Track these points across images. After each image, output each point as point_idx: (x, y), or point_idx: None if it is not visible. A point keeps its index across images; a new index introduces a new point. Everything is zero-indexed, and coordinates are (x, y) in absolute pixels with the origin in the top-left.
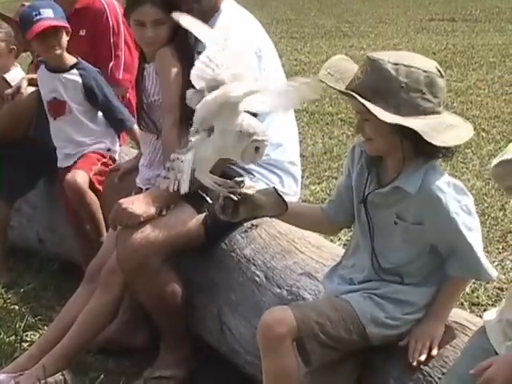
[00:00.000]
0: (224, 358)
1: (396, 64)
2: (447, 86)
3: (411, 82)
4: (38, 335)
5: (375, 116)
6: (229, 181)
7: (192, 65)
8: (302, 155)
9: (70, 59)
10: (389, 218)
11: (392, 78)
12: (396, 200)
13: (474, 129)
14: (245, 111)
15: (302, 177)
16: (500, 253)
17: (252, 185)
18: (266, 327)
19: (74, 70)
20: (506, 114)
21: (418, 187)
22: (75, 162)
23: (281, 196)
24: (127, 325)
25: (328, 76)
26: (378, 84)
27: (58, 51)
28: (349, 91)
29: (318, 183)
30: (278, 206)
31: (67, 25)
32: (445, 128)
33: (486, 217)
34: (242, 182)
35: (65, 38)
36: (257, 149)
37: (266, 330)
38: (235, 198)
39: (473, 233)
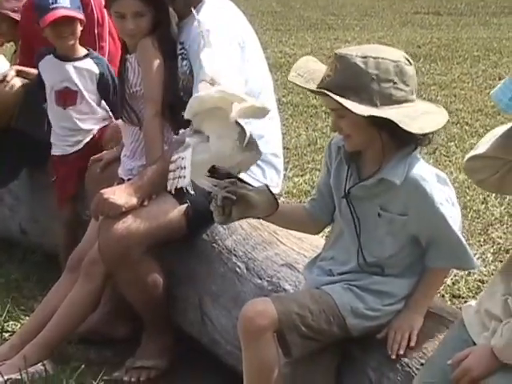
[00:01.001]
0: (205, 348)
1: (364, 57)
2: (431, 79)
3: (381, 73)
4: (19, 325)
5: (350, 111)
6: (223, 181)
7: (174, 55)
8: (285, 147)
9: (82, 49)
10: (372, 210)
11: (362, 71)
12: (380, 192)
13: (457, 122)
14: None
15: (286, 169)
16: (481, 245)
17: (243, 184)
18: (247, 319)
19: (88, 60)
20: (489, 107)
21: (403, 178)
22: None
23: (273, 194)
24: (109, 315)
25: (298, 77)
26: (348, 79)
27: (71, 41)
28: (321, 89)
29: (302, 175)
30: (270, 205)
31: (82, 16)
32: (419, 115)
33: (468, 210)
34: (235, 181)
35: (78, 29)
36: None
37: (247, 322)
38: (234, 197)
39: (456, 223)
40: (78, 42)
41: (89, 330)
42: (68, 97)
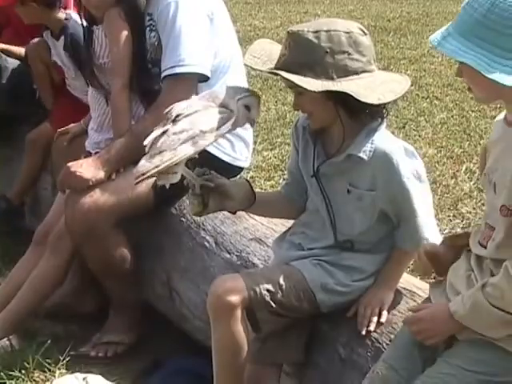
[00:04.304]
0: (172, 323)
1: (316, 32)
2: (401, 53)
3: (334, 45)
4: None
5: (303, 88)
6: (201, 169)
7: (142, 26)
8: None
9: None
10: (341, 187)
11: (314, 45)
12: (349, 168)
13: (427, 97)
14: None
15: (255, 143)
16: (451, 220)
17: (216, 174)
18: (217, 296)
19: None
20: (458, 82)
21: (371, 153)
22: None
23: (251, 187)
24: (76, 290)
25: (254, 59)
26: (302, 55)
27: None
28: (273, 70)
29: (271, 149)
30: (247, 198)
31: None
32: (379, 85)
33: (438, 184)
34: (208, 171)
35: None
36: (246, 107)
37: (217, 298)
38: (211, 185)
39: (422, 199)
40: (51, 17)
41: (55, 304)
42: (58, 70)
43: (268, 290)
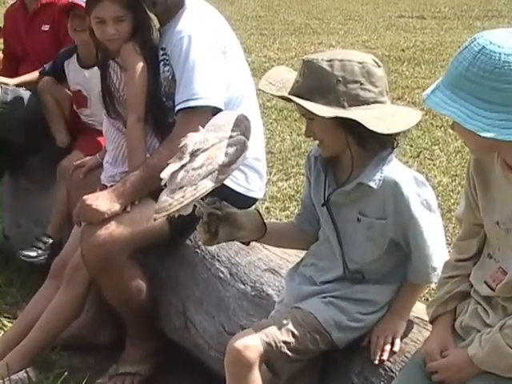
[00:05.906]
0: (187, 354)
1: (330, 60)
2: (415, 83)
3: (347, 74)
4: (2, 332)
5: (313, 113)
6: (210, 199)
7: (156, 60)
8: (269, 152)
9: None
10: (351, 216)
11: (327, 73)
12: (359, 196)
13: (442, 126)
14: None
15: (270, 173)
16: None
17: (227, 204)
18: (234, 353)
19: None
20: None
21: (380, 182)
22: None
23: (262, 218)
24: (92, 321)
25: (269, 85)
26: (315, 83)
27: (83, 36)
28: (286, 95)
29: (286, 180)
30: (257, 229)
31: None
32: (389, 116)
33: (452, 213)
34: (218, 200)
35: None
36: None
37: (234, 355)
38: (219, 213)
39: (432, 229)
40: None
41: (72, 335)
42: (79, 99)
43: (283, 342)
